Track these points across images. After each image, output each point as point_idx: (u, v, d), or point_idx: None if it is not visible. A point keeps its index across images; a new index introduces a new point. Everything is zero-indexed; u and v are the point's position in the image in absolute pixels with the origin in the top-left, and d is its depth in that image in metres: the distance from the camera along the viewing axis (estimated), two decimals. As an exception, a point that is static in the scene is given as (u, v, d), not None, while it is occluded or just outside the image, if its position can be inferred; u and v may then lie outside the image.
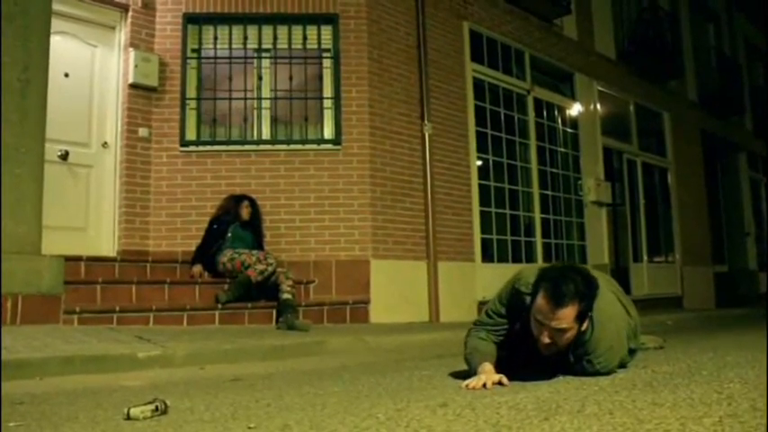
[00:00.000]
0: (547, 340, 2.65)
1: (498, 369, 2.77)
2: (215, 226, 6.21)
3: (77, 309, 4.97)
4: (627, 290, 10.50)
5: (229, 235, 6.14)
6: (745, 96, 15.65)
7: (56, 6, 5.62)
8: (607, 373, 2.78)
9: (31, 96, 4.88)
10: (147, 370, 3.78)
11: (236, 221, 6.23)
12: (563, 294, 2.59)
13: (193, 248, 6.26)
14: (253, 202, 6.41)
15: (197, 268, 6.07)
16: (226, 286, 5.77)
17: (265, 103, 7.12)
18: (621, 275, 10.61)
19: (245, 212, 6.29)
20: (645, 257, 11.35)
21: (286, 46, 7.20)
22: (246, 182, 6.79)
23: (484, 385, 2.59)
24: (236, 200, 6.35)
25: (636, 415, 1.91)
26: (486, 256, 8.14)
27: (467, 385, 2.62)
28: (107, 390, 2.98)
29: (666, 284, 11.76)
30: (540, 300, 2.65)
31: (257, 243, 6.30)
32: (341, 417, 2.11)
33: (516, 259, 8.59)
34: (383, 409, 2.21)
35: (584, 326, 2.70)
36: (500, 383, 2.61)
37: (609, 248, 10.24)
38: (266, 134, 7.07)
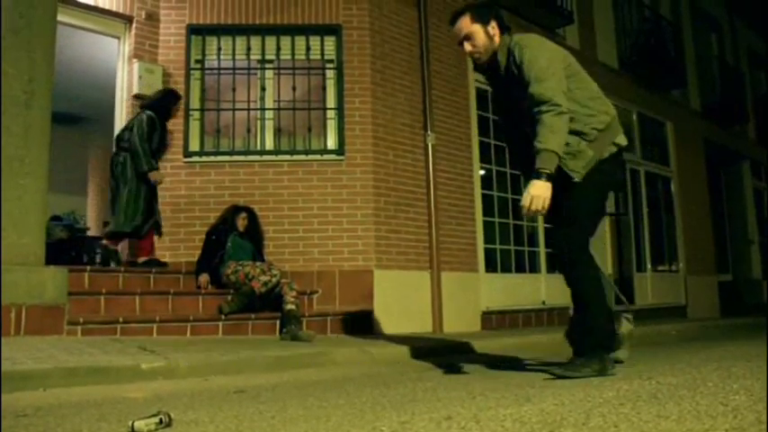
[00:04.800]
0: (469, 48, 3.54)
1: None
2: (213, 237, 6.22)
3: (81, 320, 4.97)
4: (630, 299, 10.51)
5: (229, 245, 6.15)
6: (748, 105, 15.65)
7: (61, 18, 5.65)
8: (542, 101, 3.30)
9: (36, 108, 4.89)
10: (151, 381, 3.76)
11: (233, 231, 6.24)
12: (454, 15, 3.61)
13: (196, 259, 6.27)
14: (251, 214, 6.39)
15: (204, 277, 6.06)
16: (229, 297, 5.77)
17: (269, 114, 7.14)
18: (625, 285, 10.60)
19: (240, 224, 6.29)
20: (649, 267, 11.33)
21: (289, 57, 7.23)
22: (250, 192, 6.80)
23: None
24: (235, 210, 6.35)
25: (641, 428, 1.90)
26: (490, 267, 8.13)
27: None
28: (111, 402, 2.98)
29: (670, 294, 11.74)
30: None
31: (258, 253, 6.30)
32: (345, 429, 2.10)
33: (520, 269, 8.58)
34: (387, 422, 2.20)
35: (492, 28, 3.50)
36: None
37: (612, 258, 10.23)
38: (270, 145, 7.09)
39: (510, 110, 3.67)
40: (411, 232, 7.22)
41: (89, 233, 10.58)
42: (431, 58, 7.70)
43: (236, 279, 5.90)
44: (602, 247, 9.99)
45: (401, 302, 6.92)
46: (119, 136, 6.36)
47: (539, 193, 3.20)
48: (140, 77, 6.76)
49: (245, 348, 4.77)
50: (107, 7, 6.77)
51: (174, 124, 6.92)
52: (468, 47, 3.55)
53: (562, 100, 3.28)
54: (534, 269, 8.78)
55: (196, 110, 7.05)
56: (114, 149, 6.38)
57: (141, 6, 6.97)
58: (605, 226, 10.11)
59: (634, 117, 11.57)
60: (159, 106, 6.38)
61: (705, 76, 14.23)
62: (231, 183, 6.86)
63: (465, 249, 7.76)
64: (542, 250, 8.90)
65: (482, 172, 8.26)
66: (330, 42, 7.26)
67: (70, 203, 11.54)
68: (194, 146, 6.98)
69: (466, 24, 3.53)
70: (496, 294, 7.97)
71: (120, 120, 6.93)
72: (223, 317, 5.61)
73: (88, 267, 5.92)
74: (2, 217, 4.58)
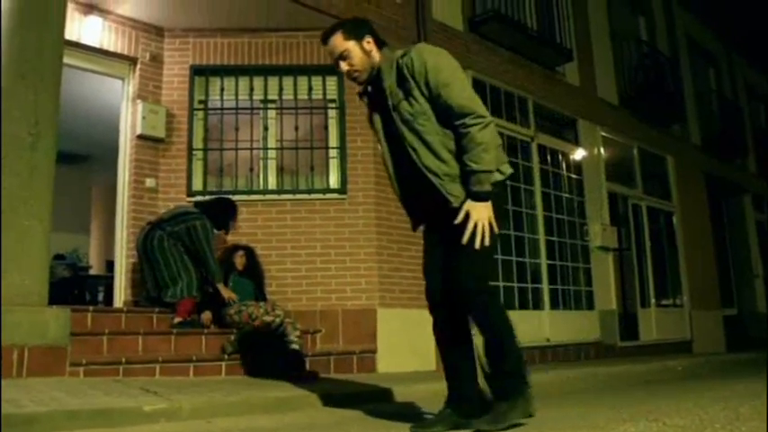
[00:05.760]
0: (345, 68, 3.30)
1: None
2: None
3: (84, 360, 4.94)
4: (635, 335, 10.44)
5: (230, 285, 6.15)
6: (748, 138, 15.73)
7: (66, 60, 5.71)
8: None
9: (41, 150, 4.92)
10: (153, 424, 3.74)
11: (233, 271, 6.25)
12: (325, 33, 3.34)
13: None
14: (249, 252, 6.40)
15: (207, 315, 6.04)
16: (232, 337, 5.74)
17: (271, 153, 7.19)
18: (629, 321, 10.55)
19: (238, 261, 6.30)
20: (653, 302, 11.26)
21: (291, 97, 7.30)
22: (253, 231, 6.82)
23: None
24: (233, 249, 6.37)
25: (648, 474, 1.88)
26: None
27: None
28: (113, 446, 2.96)
29: (675, 329, 11.65)
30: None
31: (259, 291, 6.30)
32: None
33: (523, 306, 8.54)
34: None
35: (367, 43, 3.26)
36: None
37: (616, 293, 10.18)
38: (272, 184, 7.13)
39: (395, 137, 3.28)
40: (414, 270, 7.19)
41: (91, 271, 10.60)
42: (432, 97, 7.74)
43: (240, 319, 5.88)
44: (606, 283, 9.97)
45: (405, 341, 6.88)
46: (162, 219, 6.21)
47: (482, 215, 3.02)
48: (144, 118, 6.82)
49: (248, 389, 4.75)
50: (112, 49, 6.86)
51: (178, 164, 6.97)
52: (344, 66, 3.29)
53: (484, 110, 3.07)
54: (537, 306, 8.74)
55: (199, 149, 7.10)
56: (148, 225, 6.24)
57: (145, 48, 7.06)
58: (609, 262, 10.10)
59: (635, 152, 11.60)
60: (215, 215, 6.31)
61: (704, 110, 14.33)
62: (234, 222, 6.87)
63: (468, 286, 7.71)
64: (545, 287, 8.88)
65: (484, 208, 8.25)
66: (332, 82, 7.34)
67: (73, 242, 11.56)
68: (197, 185, 7.02)
69: (339, 42, 3.28)
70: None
71: (124, 160, 6.97)
72: (226, 357, 5.59)
73: (91, 307, 5.92)
74: (4, 258, 4.58)
